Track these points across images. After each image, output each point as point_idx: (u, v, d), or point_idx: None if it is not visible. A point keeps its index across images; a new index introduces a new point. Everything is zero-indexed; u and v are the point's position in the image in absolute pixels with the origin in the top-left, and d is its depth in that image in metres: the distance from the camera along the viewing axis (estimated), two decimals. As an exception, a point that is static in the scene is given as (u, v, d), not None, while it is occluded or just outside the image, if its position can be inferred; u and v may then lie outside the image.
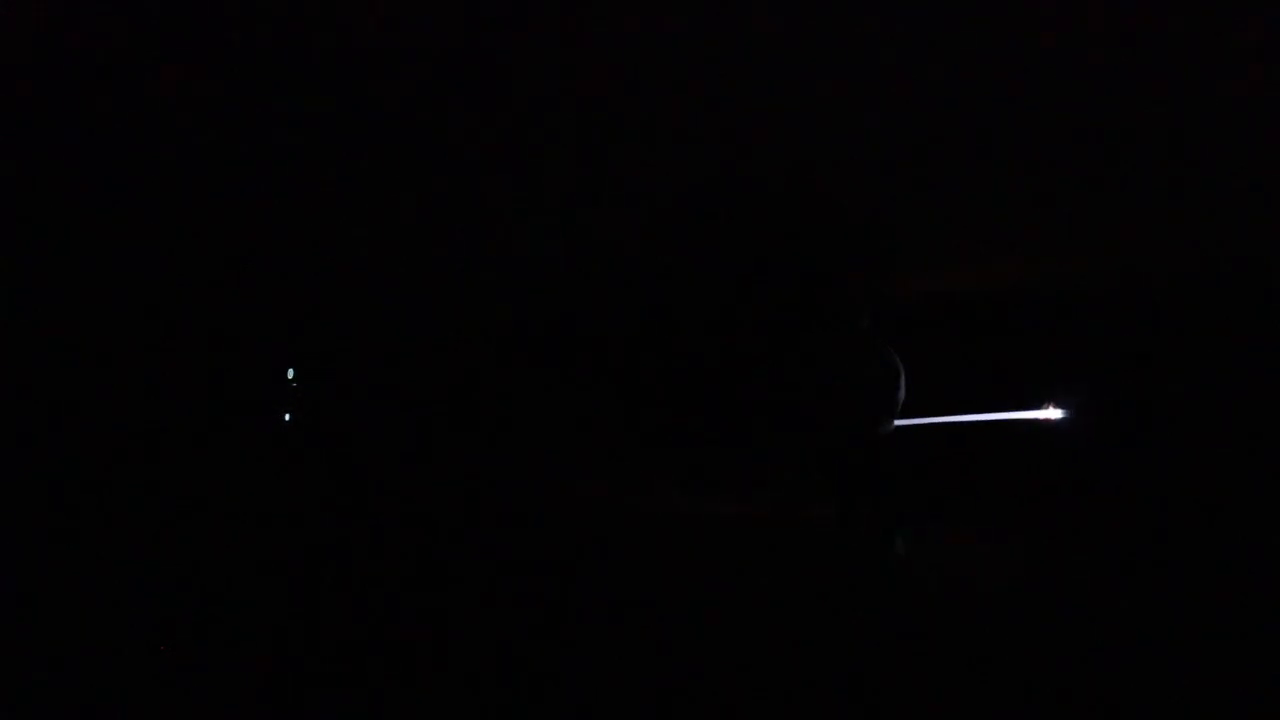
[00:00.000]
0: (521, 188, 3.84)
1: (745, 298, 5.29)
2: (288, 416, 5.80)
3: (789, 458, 5.26)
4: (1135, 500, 4.56)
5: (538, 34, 2.60)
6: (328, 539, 4.54)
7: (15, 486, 4.30)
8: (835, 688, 2.64)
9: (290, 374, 5.81)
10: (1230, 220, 4.01)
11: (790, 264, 4.76)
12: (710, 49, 2.71)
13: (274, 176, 3.71)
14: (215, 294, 4.90)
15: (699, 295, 5.28)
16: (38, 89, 2.90)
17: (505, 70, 2.83)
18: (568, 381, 5.69)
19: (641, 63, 2.80)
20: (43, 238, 4.10)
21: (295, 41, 2.68)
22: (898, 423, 4.23)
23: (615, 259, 4.70)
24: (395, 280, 5.05)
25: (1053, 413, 4.34)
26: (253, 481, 5.16)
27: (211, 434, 5.19)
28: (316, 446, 5.73)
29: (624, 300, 5.37)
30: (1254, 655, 2.76)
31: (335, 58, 2.79)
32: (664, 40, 2.66)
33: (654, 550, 4.38)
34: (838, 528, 4.51)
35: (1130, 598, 3.42)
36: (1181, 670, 2.68)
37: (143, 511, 4.51)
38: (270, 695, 2.67)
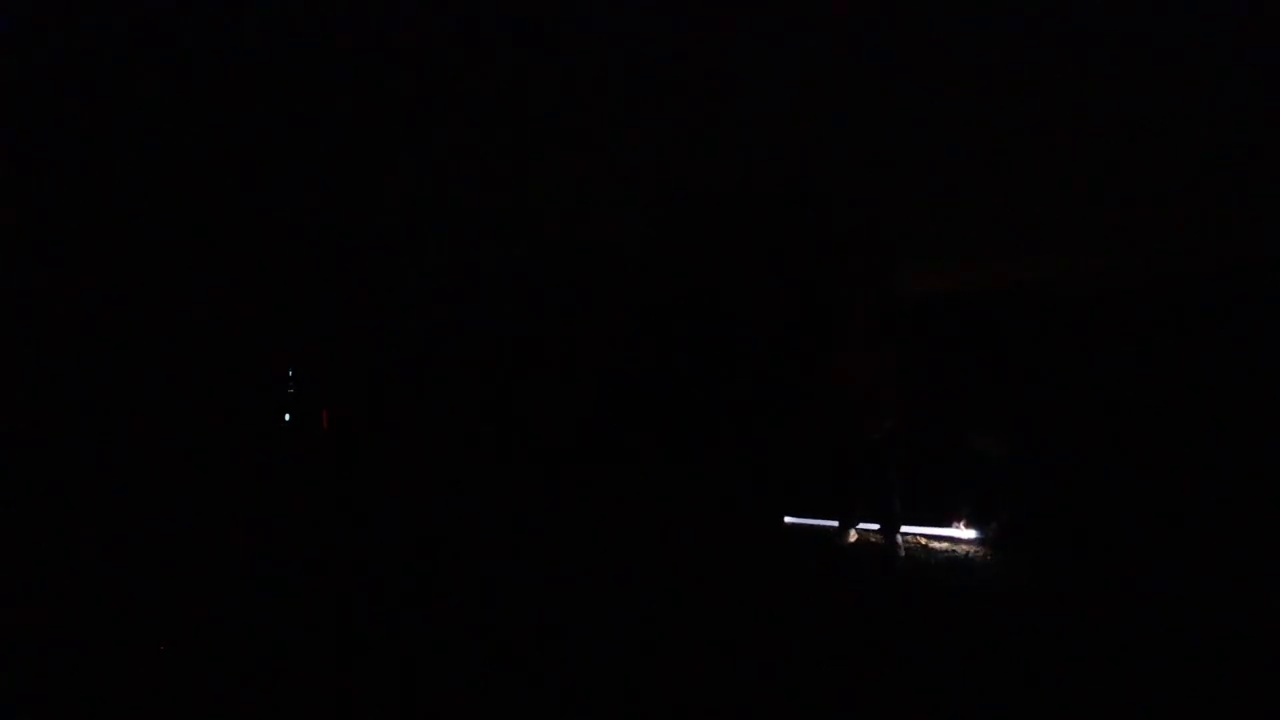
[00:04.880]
0: (521, 190, 3.84)
1: (745, 299, 5.29)
2: (287, 417, 5.79)
3: (789, 458, 5.25)
4: (1135, 502, 4.56)
5: (538, 36, 2.60)
6: (327, 539, 4.54)
7: (16, 486, 4.30)
8: (836, 688, 2.64)
9: (291, 374, 5.80)
10: (1230, 220, 4.01)
11: (790, 265, 4.76)
12: (711, 52, 2.71)
13: (274, 177, 3.72)
14: (215, 295, 4.90)
15: (699, 297, 5.29)
16: (38, 89, 2.90)
17: (504, 72, 2.83)
18: (566, 383, 5.69)
19: (644, 65, 2.81)
20: (43, 238, 4.10)
21: (295, 45, 2.68)
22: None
23: (617, 261, 4.70)
24: (395, 281, 5.05)
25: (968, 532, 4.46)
26: (252, 481, 5.16)
27: (211, 434, 5.18)
28: (316, 446, 5.73)
29: (625, 302, 5.37)
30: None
31: (335, 61, 2.79)
32: (665, 42, 2.66)
33: (653, 551, 4.38)
34: (838, 528, 4.53)
35: (1129, 600, 3.42)
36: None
37: (143, 511, 4.51)
38: (270, 695, 2.67)
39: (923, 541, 4.41)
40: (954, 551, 4.27)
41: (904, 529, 4.33)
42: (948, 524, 4.50)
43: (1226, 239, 4.26)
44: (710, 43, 2.63)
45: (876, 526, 4.40)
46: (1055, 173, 3.58)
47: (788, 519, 4.92)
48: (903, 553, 4.22)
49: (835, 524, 4.58)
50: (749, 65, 2.79)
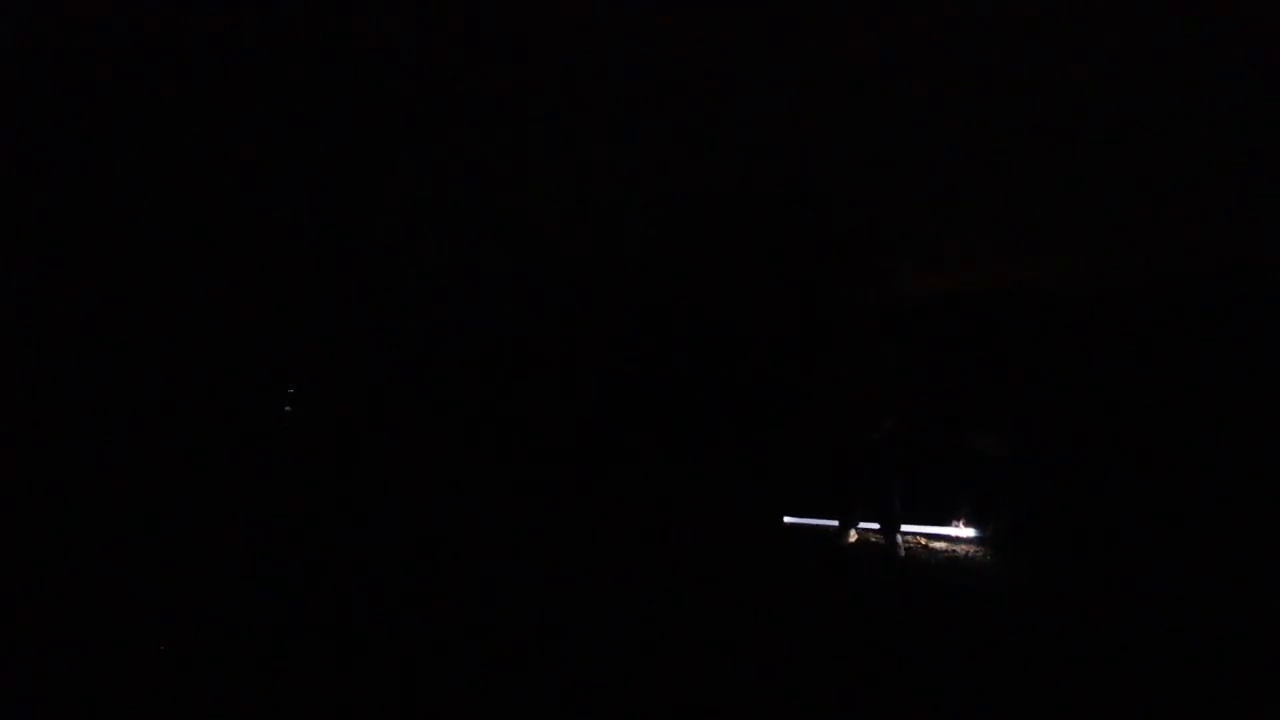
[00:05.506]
0: (521, 191, 3.84)
1: (745, 300, 5.29)
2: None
3: (789, 458, 5.25)
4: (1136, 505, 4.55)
5: (538, 36, 2.60)
6: (327, 539, 4.54)
7: (16, 486, 4.30)
8: (836, 688, 2.64)
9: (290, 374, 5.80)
10: (1230, 220, 4.01)
11: (790, 266, 4.76)
12: (711, 52, 2.71)
13: (274, 177, 3.72)
14: (215, 295, 4.90)
15: (698, 299, 5.29)
16: (38, 89, 2.90)
17: (504, 72, 2.84)
18: (566, 383, 5.69)
19: (644, 65, 2.81)
20: (43, 238, 4.10)
21: (296, 46, 2.68)
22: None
23: (617, 261, 4.70)
24: (395, 281, 5.05)
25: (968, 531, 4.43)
26: (252, 481, 5.15)
27: (211, 434, 5.18)
28: (316, 446, 5.72)
29: (625, 304, 5.37)
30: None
31: (336, 62, 2.79)
32: (665, 42, 2.66)
33: (653, 551, 4.38)
34: (838, 528, 4.53)
35: (1128, 603, 3.42)
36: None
37: (142, 511, 4.51)
38: (270, 695, 2.67)
39: (923, 541, 4.41)
40: (954, 551, 4.27)
41: (904, 529, 4.33)
42: (948, 524, 4.50)
43: (1226, 239, 4.25)
44: (710, 43, 2.63)
45: (876, 526, 4.40)
46: (1055, 173, 3.58)
47: (788, 519, 4.92)
48: (903, 553, 4.22)
49: (835, 524, 4.58)
50: (749, 65, 2.79)
